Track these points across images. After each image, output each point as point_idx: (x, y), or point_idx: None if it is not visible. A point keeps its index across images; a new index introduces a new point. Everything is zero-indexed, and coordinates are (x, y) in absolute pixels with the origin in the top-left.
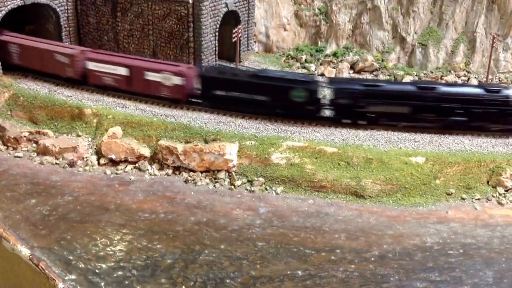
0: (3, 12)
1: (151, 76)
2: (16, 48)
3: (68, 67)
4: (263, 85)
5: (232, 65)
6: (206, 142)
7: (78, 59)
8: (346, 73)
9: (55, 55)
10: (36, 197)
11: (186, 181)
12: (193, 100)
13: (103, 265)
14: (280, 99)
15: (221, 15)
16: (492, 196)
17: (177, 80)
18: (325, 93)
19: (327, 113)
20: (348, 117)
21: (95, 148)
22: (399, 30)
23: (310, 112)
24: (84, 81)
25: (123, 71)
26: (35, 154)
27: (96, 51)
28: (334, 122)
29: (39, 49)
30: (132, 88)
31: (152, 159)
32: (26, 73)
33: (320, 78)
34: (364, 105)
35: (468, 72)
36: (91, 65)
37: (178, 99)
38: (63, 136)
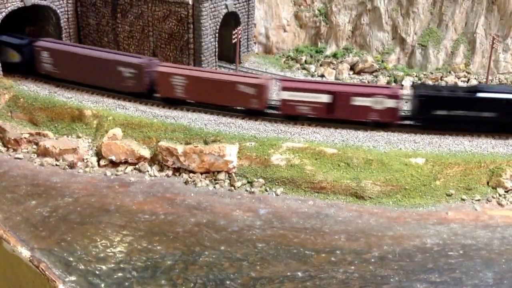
0: (3, 14)
1: (360, 101)
2: (181, 81)
3: (253, 99)
4: (491, 101)
5: (232, 66)
6: (206, 143)
7: (267, 89)
8: (346, 74)
9: (238, 86)
10: (36, 198)
11: (186, 182)
12: (405, 122)
13: (103, 267)
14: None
15: (221, 17)
16: (492, 197)
17: (390, 103)
18: None
19: None
20: None
21: (95, 150)
22: (399, 31)
23: None
24: (265, 112)
25: (325, 98)
26: (35, 155)
27: (290, 79)
28: None
29: (217, 81)
30: (334, 115)
31: (152, 161)
32: (187, 106)
33: None
34: None
35: (468, 73)
36: (285, 95)
37: (388, 122)
38: (63, 138)
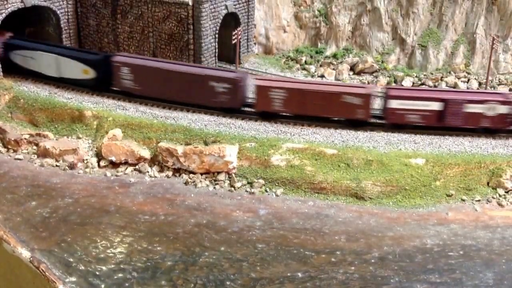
0: (3, 15)
1: (472, 108)
2: (281, 94)
3: (359, 109)
4: None
5: (232, 67)
6: (206, 144)
7: (373, 98)
8: (346, 75)
9: (344, 96)
10: (36, 199)
11: (186, 183)
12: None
13: (104, 267)
14: None
15: (221, 17)
16: (492, 197)
17: (502, 109)
18: None
19: None
20: None
21: (96, 150)
22: (399, 32)
23: None
24: (369, 122)
25: (436, 106)
26: (36, 156)
27: (397, 88)
28: None
29: (321, 92)
30: (444, 123)
31: (152, 161)
32: (287, 119)
33: None
34: None
35: (468, 73)
36: (394, 103)
37: (498, 129)
38: (64, 138)
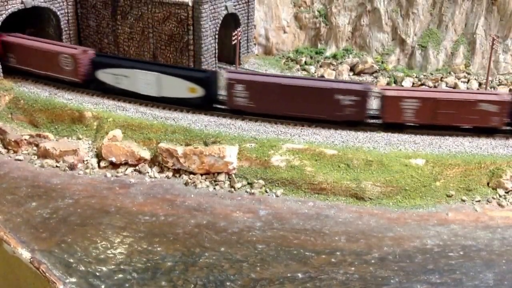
0: (4, 16)
1: None
2: (414, 103)
3: (494, 116)
4: None
5: (232, 68)
6: (206, 144)
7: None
8: (346, 75)
9: (480, 104)
10: (36, 200)
11: (186, 184)
12: None
13: (104, 268)
14: None
15: (221, 18)
16: (493, 198)
17: None
18: None
19: None
20: None
21: (96, 151)
22: (398, 32)
23: None
24: (501, 129)
25: None
26: (36, 157)
27: None
28: None
29: (459, 101)
30: None
31: (152, 162)
32: (416, 130)
33: None
34: None
35: (468, 73)
36: None
37: None
38: (64, 139)
